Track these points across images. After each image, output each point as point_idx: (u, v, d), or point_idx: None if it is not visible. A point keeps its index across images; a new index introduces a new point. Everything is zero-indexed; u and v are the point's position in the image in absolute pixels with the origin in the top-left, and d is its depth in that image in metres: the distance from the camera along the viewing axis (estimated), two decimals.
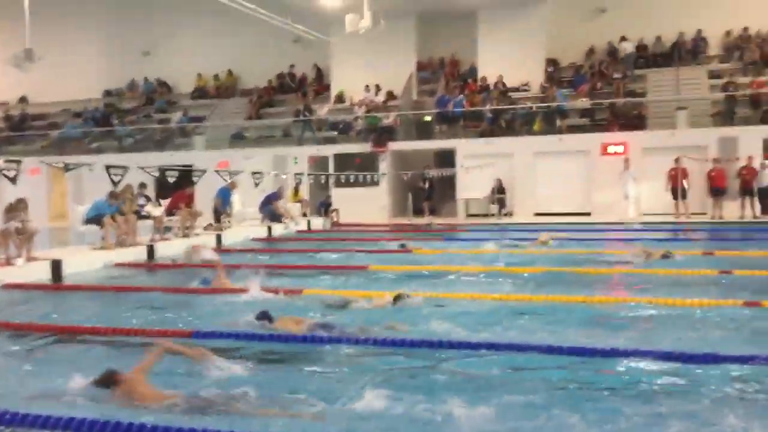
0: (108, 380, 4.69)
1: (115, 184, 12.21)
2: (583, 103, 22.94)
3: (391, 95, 25.14)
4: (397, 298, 7.75)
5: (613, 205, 19.90)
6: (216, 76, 29.94)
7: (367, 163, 22.62)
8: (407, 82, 25.38)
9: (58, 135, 28.26)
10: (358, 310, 7.59)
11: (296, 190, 21.55)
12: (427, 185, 22.38)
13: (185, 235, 14.74)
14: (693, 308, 7.31)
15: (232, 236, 16.06)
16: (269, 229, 17.64)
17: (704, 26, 24.26)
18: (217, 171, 16.44)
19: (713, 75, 23.11)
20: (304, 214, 20.57)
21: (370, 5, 18.50)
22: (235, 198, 18.08)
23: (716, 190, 19.26)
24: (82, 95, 30.24)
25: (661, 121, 21.46)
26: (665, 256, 11.07)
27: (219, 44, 29.16)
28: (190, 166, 17.79)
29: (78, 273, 11.03)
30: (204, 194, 16.88)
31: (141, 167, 13.14)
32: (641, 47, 24.85)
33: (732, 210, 19.09)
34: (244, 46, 28.51)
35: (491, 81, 24.47)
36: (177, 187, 15.53)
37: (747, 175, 18.95)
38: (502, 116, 23.01)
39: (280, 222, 18.29)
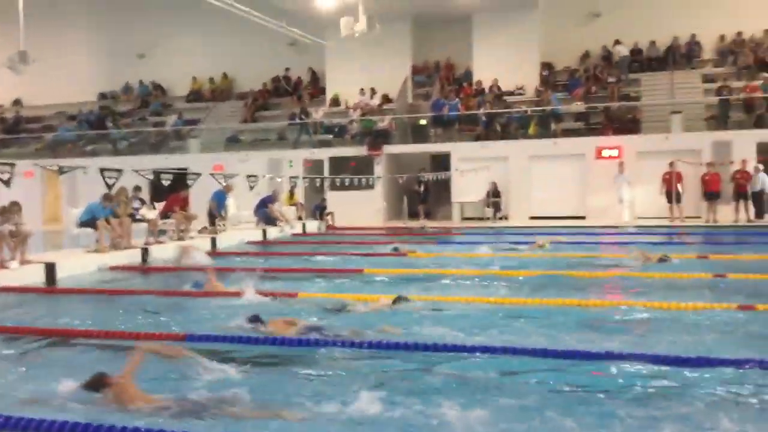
0: (97, 384, 4.68)
1: (109, 187, 12.19)
2: (578, 106, 22.99)
3: (386, 99, 25.17)
4: (396, 301, 7.76)
5: (607, 208, 19.95)
6: (211, 79, 29.92)
7: (363, 166, 22.62)
8: (402, 85, 25.40)
9: (52, 138, 28.20)
10: (353, 314, 7.58)
11: (291, 194, 21.54)
12: (422, 189, 22.40)
13: (180, 238, 14.70)
14: (687, 312, 7.33)
15: (227, 239, 16.03)
16: (264, 232, 17.61)
17: (698, 30, 24.36)
18: (212, 174, 16.43)
19: (707, 79, 23.21)
20: (300, 218, 20.55)
21: (365, 9, 18.52)
22: (230, 201, 18.06)
23: (710, 194, 19.32)
24: (77, 98, 30.20)
25: (656, 125, 21.53)
26: (662, 260, 11.09)
27: (214, 47, 29.15)
28: (185, 169, 17.76)
29: (72, 276, 11.00)
30: (199, 197, 16.86)
31: (136, 170, 13.13)
32: (636, 51, 24.93)
33: (726, 214, 19.15)
34: (240, 49, 28.51)
35: (486, 85, 24.52)
36: (172, 190, 15.54)
37: (741, 179, 19.01)
38: (497, 120, 23.05)
39: (275, 225, 18.27)
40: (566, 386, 5.06)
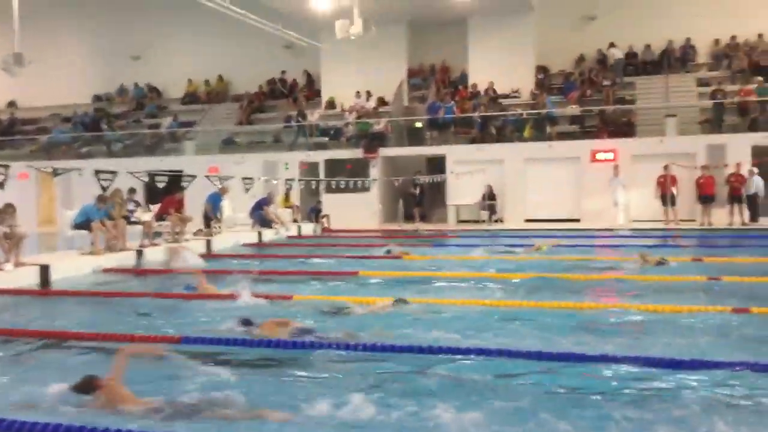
0: (87, 386, 4.66)
1: (104, 189, 12.16)
2: (573, 110, 23.04)
3: (382, 101, 25.18)
4: (395, 303, 7.78)
5: (602, 211, 20.00)
6: (207, 82, 29.90)
7: (358, 169, 22.63)
8: (398, 88, 25.43)
9: (47, 140, 28.13)
10: (348, 316, 7.58)
11: (287, 196, 21.52)
12: (417, 191, 22.41)
13: (175, 241, 14.67)
14: (682, 314, 7.34)
15: (222, 242, 16.01)
16: (259, 234, 17.59)
17: (693, 34, 24.45)
18: (207, 176, 16.40)
19: (702, 83, 23.28)
20: (295, 220, 20.54)
21: (360, 12, 18.53)
22: (226, 203, 18.03)
23: (705, 197, 19.37)
24: (72, 100, 30.14)
25: (650, 129, 21.59)
26: (660, 263, 11.11)
27: (210, 49, 29.12)
28: (180, 171, 17.72)
29: (66, 278, 10.97)
30: (194, 200, 16.82)
31: (130, 172, 13.09)
32: (630, 55, 25.00)
33: (721, 217, 19.21)
34: (235, 51, 28.50)
35: (482, 88, 24.56)
36: (167, 193, 15.50)
37: (735, 182, 19.08)
38: (492, 123, 23.09)
39: (271, 227, 18.25)
40: (561, 389, 5.07)
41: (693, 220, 19.72)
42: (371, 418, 4.40)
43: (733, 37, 24.04)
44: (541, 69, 25.43)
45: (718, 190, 19.40)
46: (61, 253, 13.57)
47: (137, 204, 15.58)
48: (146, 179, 14.14)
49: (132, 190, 15.77)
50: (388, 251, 13.69)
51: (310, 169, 23.46)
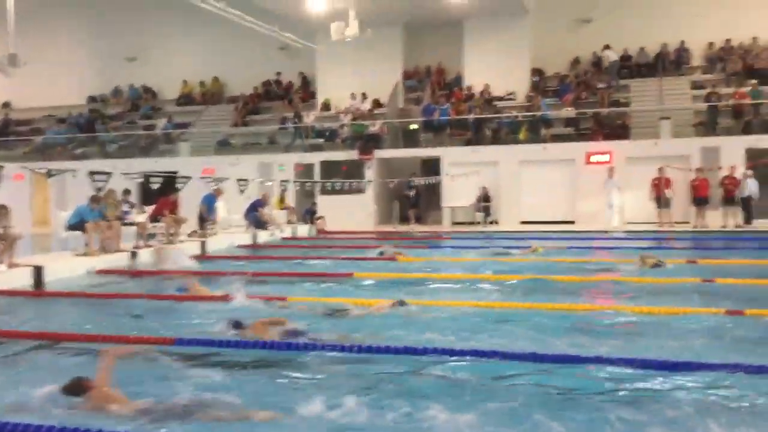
0: (77, 388, 4.65)
1: (98, 190, 12.12)
2: (568, 112, 23.08)
3: (377, 103, 25.17)
4: (394, 305, 7.79)
5: (597, 213, 20.02)
6: (202, 83, 29.84)
7: (353, 170, 22.61)
8: (393, 90, 25.42)
9: (41, 141, 28.05)
10: (344, 318, 7.58)
11: (282, 198, 21.50)
12: (412, 193, 22.42)
13: (170, 242, 14.65)
14: (676, 316, 7.35)
15: (217, 243, 15.98)
16: (254, 236, 17.57)
17: (687, 37, 24.50)
18: (202, 178, 16.37)
19: (696, 85, 23.34)
20: (290, 222, 20.51)
21: (356, 13, 18.53)
22: (220, 205, 18.00)
23: (699, 199, 19.43)
24: (67, 101, 30.02)
25: (645, 131, 21.63)
26: (656, 265, 11.12)
27: (205, 51, 29.08)
28: (175, 172, 17.69)
29: (60, 279, 10.93)
30: (189, 201, 16.79)
31: (125, 173, 13.06)
32: (625, 57, 25.05)
33: (715, 219, 19.26)
34: (230, 53, 28.44)
35: (477, 90, 24.58)
36: (161, 194, 15.46)
37: (729, 185, 19.13)
38: (487, 125, 23.11)
39: (265, 229, 18.23)
40: (555, 390, 5.08)
41: (687, 223, 19.76)
42: (365, 419, 4.39)
43: (728, 40, 24.12)
44: (537, 71, 25.47)
45: (712, 193, 19.46)
46: (55, 254, 13.53)
47: (132, 205, 15.54)
48: (141, 180, 14.10)
49: (127, 192, 15.76)
50: (381, 253, 13.70)
51: (306, 170, 23.44)
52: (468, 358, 5.71)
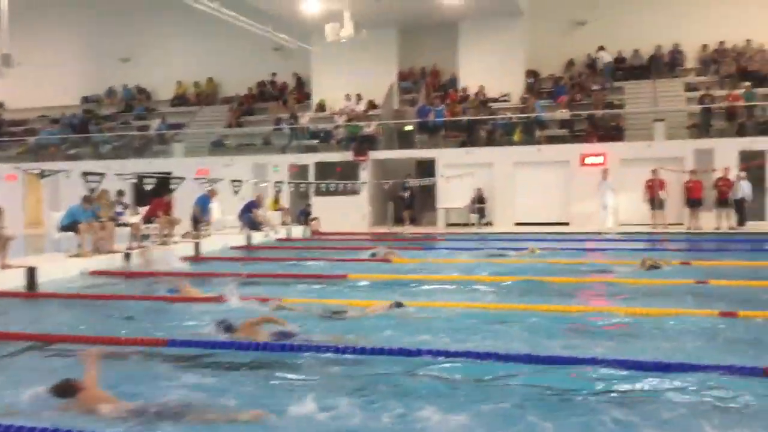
0: (66, 389, 4.62)
1: (91, 191, 12.08)
2: (562, 114, 23.12)
3: (372, 104, 25.17)
4: (392, 306, 7.78)
5: (591, 215, 20.04)
6: (196, 84, 29.80)
7: (348, 171, 22.60)
8: (388, 91, 25.42)
9: (34, 141, 27.95)
10: (341, 319, 7.56)
11: (276, 199, 21.47)
12: (407, 194, 22.42)
13: (163, 243, 14.60)
14: (670, 317, 7.36)
15: (211, 244, 15.94)
16: (248, 237, 17.54)
17: (681, 39, 24.58)
18: (196, 179, 16.33)
19: (690, 87, 23.41)
20: (284, 223, 20.48)
21: (351, 15, 18.52)
22: (214, 206, 17.95)
23: (693, 201, 19.48)
24: (60, 101, 29.96)
25: (639, 133, 21.69)
26: (653, 267, 11.13)
27: (199, 51, 29.04)
28: (169, 173, 17.65)
29: (53, 280, 10.88)
30: (183, 202, 16.75)
31: (119, 174, 13.01)
32: (619, 59, 25.13)
33: (708, 221, 19.30)
34: (225, 53, 28.41)
35: (472, 91, 24.61)
36: (155, 195, 15.42)
37: (723, 187, 19.19)
38: (482, 126, 23.13)
39: (260, 230, 18.20)
40: (549, 391, 5.07)
41: (681, 224, 19.81)
42: (359, 420, 4.39)
43: (722, 43, 24.20)
44: (531, 73, 25.51)
45: (706, 195, 19.51)
46: (48, 255, 13.47)
47: (125, 206, 15.48)
48: (135, 181, 14.06)
49: (120, 192, 15.69)
50: (373, 254, 13.69)
51: (300, 171, 23.41)
52: (462, 359, 5.70)
